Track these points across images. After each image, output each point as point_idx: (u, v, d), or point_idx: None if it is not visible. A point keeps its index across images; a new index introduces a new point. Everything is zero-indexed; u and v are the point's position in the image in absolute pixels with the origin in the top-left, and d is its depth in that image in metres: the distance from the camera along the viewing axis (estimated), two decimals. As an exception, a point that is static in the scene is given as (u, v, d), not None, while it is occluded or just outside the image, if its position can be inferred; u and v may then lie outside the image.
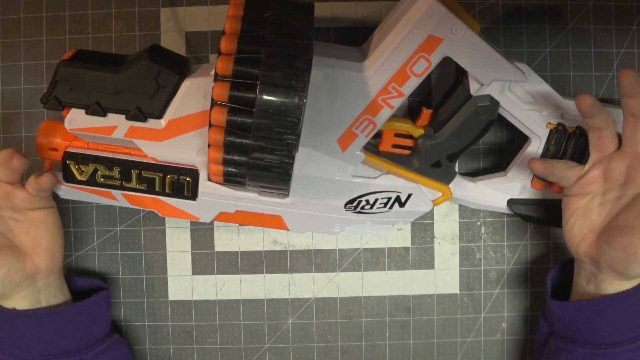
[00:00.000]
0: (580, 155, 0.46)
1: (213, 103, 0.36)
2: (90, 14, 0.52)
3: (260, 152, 0.37)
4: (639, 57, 0.53)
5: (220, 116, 0.36)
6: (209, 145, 0.38)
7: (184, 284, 0.53)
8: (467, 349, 0.53)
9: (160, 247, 0.53)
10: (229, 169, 0.38)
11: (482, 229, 0.53)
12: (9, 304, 0.44)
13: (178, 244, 0.53)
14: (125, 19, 0.52)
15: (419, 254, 0.53)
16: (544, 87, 0.45)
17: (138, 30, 0.52)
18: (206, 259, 0.53)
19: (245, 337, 0.53)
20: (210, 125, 0.37)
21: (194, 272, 0.53)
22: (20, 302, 0.44)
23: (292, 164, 0.37)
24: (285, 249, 0.53)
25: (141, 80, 0.42)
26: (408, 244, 0.53)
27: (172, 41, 0.52)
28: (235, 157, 0.38)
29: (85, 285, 0.50)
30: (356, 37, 0.52)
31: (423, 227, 0.53)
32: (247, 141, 0.36)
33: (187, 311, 0.53)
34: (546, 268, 0.52)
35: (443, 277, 0.53)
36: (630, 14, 0.52)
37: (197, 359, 0.53)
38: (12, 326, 0.44)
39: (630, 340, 0.41)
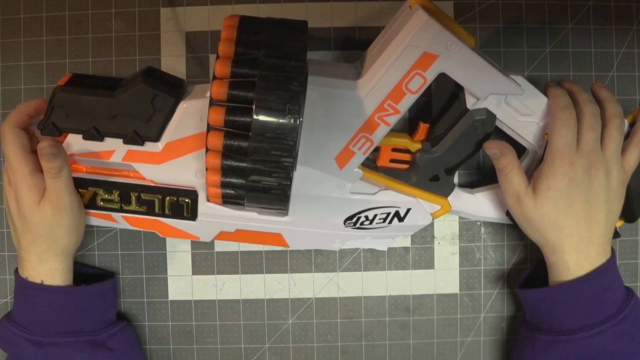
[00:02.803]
0: None
1: (209, 128, 0.37)
2: (90, 14, 0.52)
3: (257, 175, 0.37)
4: (639, 57, 0.53)
5: (216, 141, 0.36)
6: (207, 169, 0.38)
7: (184, 284, 0.53)
8: (467, 349, 0.53)
9: (160, 247, 0.53)
10: (227, 191, 0.39)
11: (482, 229, 0.53)
12: (53, 269, 0.45)
13: (178, 244, 0.53)
14: (125, 19, 0.52)
15: (419, 254, 0.53)
16: (541, 98, 0.45)
17: (138, 30, 0.52)
18: (206, 259, 0.53)
19: (245, 337, 0.53)
20: (207, 150, 0.37)
21: (194, 272, 0.53)
22: (59, 273, 0.45)
23: (289, 186, 0.37)
24: (285, 249, 0.53)
25: (137, 104, 0.42)
26: (408, 244, 0.53)
27: (172, 41, 0.52)
28: (233, 180, 0.38)
29: (90, 272, 0.51)
30: (356, 37, 0.52)
31: (423, 227, 0.53)
32: (245, 164, 0.37)
33: (187, 311, 0.53)
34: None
35: (443, 277, 0.53)
36: (630, 14, 0.52)
37: (197, 359, 0.53)
38: (34, 301, 0.45)
39: (588, 327, 0.42)
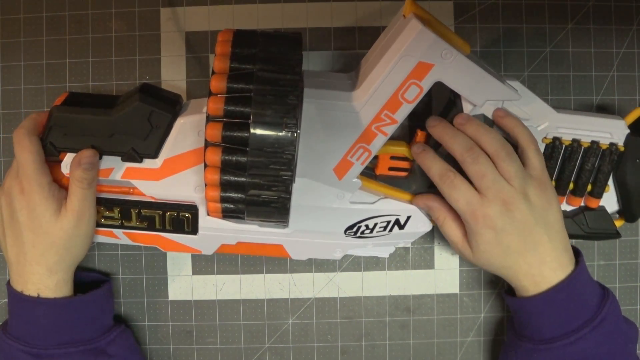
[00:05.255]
0: (580, 167, 0.46)
1: (207, 144, 0.37)
2: (90, 14, 0.52)
3: (257, 189, 0.37)
4: (639, 57, 0.53)
5: (214, 157, 0.36)
6: (205, 185, 0.38)
7: (184, 284, 0.53)
8: (467, 349, 0.53)
9: (160, 247, 0.53)
10: (227, 206, 0.39)
11: (482, 229, 0.53)
12: (60, 281, 0.45)
13: (178, 244, 0.53)
14: (125, 19, 0.52)
15: (419, 254, 0.53)
16: (538, 102, 0.45)
17: (138, 30, 0.52)
18: (206, 259, 0.53)
19: (245, 337, 0.53)
20: (206, 166, 0.37)
21: (194, 272, 0.53)
22: (66, 284, 0.45)
23: (289, 199, 0.37)
24: (285, 249, 0.53)
25: (134, 122, 0.43)
26: (408, 244, 0.53)
27: (172, 41, 0.52)
28: (233, 195, 0.38)
29: (84, 279, 0.50)
30: (356, 37, 0.52)
31: (423, 227, 0.53)
32: (243, 179, 0.37)
33: (187, 311, 0.53)
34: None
35: (443, 277, 0.53)
36: (630, 14, 0.52)
37: (197, 359, 0.53)
38: (31, 314, 0.44)
39: (566, 335, 0.42)
